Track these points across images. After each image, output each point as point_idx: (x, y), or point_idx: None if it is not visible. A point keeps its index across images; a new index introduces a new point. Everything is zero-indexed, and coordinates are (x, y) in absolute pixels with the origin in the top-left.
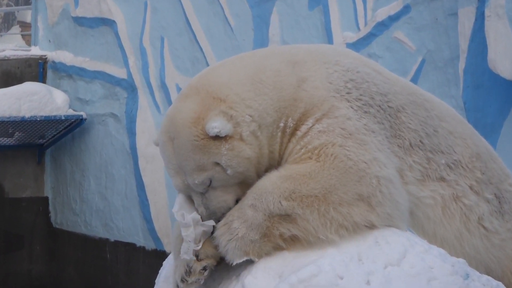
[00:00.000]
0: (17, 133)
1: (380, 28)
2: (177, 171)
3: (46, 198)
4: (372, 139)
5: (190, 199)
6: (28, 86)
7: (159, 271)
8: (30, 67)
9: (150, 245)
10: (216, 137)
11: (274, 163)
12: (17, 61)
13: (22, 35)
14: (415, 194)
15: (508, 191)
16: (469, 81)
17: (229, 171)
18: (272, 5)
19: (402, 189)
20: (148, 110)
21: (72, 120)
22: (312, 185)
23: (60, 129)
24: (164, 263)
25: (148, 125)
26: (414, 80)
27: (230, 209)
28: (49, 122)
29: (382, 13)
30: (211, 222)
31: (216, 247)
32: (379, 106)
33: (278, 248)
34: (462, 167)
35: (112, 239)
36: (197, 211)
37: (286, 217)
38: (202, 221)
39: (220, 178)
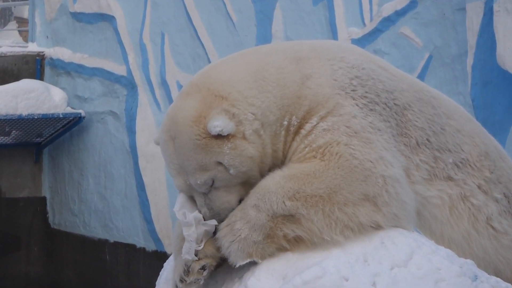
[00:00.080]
0: (14, 131)
1: (386, 23)
2: (179, 171)
3: (44, 198)
4: (378, 138)
5: (191, 198)
6: (25, 84)
7: (160, 273)
8: (27, 63)
9: (150, 246)
10: (218, 136)
11: (278, 163)
12: (14, 58)
13: (19, 31)
14: (422, 194)
15: None
16: (477, 78)
17: (232, 171)
18: (275, 0)
19: (408, 189)
20: (148, 107)
21: (71, 118)
22: (317, 184)
23: (58, 128)
24: (165, 264)
25: (148, 123)
26: (421, 76)
27: (233, 209)
28: (46, 120)
29: (388, 8)
30: (213, 222)
31: (218, 247)
32: (385, 103)
33: (281, 249)
34: (470, 166)
35: (111, 240)
36: (200, 211)
37: (290, 217)
38: (204, 220)
39: (223, 178)
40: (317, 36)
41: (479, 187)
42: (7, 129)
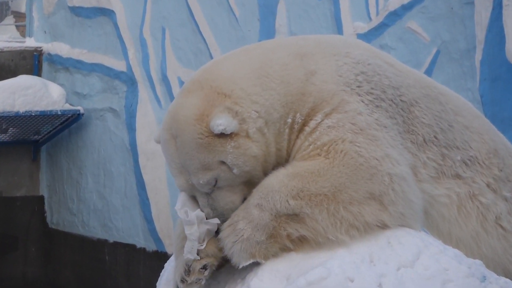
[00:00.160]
0: (11, 129)
1: (392, 18)
2: (181, 170)
3: (42, 197)
4: (384, 135)
5: (193, 197)
6: (23, 80)
7: (160, 274)
8: (25, 59)
9: (151, 247)
10: (221, 135)
11: (282, 161)
12: (11, 53)
13: (16, 26)
14: (429, 192)
15: None
16: (486, 73)
17: (235, 170)
18: None
19: (415, 187)
20: (149, 104)
21: (69, 115)
22: (321, 183)
23: (56, 125)
24: (166, 265)
25: (148, 120)
26: (428, 72)
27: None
28: (44, 117)
29: (395, 2)
30: (216, 220)
31: (220, 248)
32: (391, 100)
33: (285, 249)
34: (479, 163)
35: (111, 240)
36: (202, 210)
37: (294, 216)
38: (206, 219)
39: (226, 178)
40: (322, 31)
41: (488, 185)
42: (4, 127)
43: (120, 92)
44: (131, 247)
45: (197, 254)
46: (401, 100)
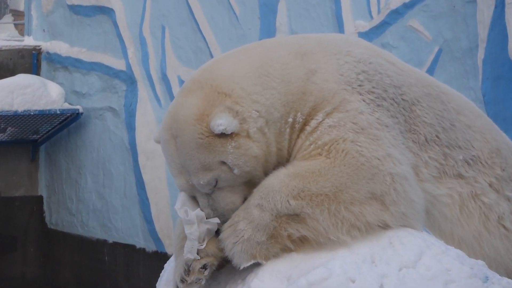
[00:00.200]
0: (9, 128)
1: (394, 16)
2: (181, 170)
3: (41, 197)
4: (386, 134)
5: (193, 197)
6: (21, 79)
7: (160, 274)
8: (23, 58)
9: (150, 247)
10: (222, 135)
11: (283, 161)
12: (9, 52)
13: (14, 24)
14: (431, 192)
15: None
16: (488, 72)
17: (236, 171)
18: None
19: (417, 187)
20: (148, 103)
21: (68, 115)
22: (322, 183)
23: (55, 124)
24: (166, 266)
25: (148, 119)
26: (430, 71)
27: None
28: (43, 116)
29: (396, 1)
30: (216, 220)
31: (220, 247)
32: (393, 99)
33: (286, 250)
34: (481, 163)
35: (110, 241)
36: (202, 211)
37: (295, 217)
38: (206, 218)
39: (226, 178)
40: (323, 30)
41: (490, 185)
42: (2, 126)
43: (119, 91)
44: (131, 248)
45: (197, 254)
46: (402, 99)
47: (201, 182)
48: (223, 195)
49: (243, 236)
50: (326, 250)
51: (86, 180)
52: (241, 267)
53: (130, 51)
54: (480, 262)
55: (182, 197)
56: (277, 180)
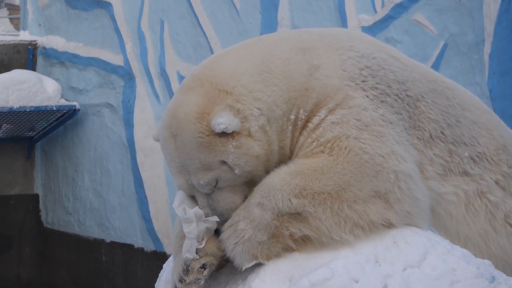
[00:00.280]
0: (4, 125)
1: (398, 10)
2: (180, 170)
3: (36, 196)
4: (390, 131)
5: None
6: (17, 74)
7: (159, 275)
8: (19, 53)
9: (149, 246)
10: (223, 134)
11: (285, 160)
12: (4, 47)
13: (10, 18)
14: (436, 190)
15: None
16: (495, 67)
17: (236, 171)
18: None
19: (422, 185)
20: (147, 99)
21: (65, 111)
22: (325, 181)
23: (52, 121)
24: (165, 265)
25: (146, 116)
26: (436, 66)
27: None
28: (39, 113)
29: None
30: (215, 218)
31: (220, 246)
32: (397, 95)
33: (288, 249)
34: (487, 160)
35: (108, 240)
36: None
37: (297, 215)
38: (205, 217)
39: (227, 178)
40: (326, 24)
41: (496, 182)
42: None
43: (117, 87)
44: (129, 247)
45: (196, 253)
46: (406, 95)
47: (201, 182)
48: (223, 195)
49: (243, 236)
50: (328, 250)
51: (83, 178)
52: (243, 268)
53: (128, 46)
54: (487, 261)
55: (180, 195)
56: (279, 178)
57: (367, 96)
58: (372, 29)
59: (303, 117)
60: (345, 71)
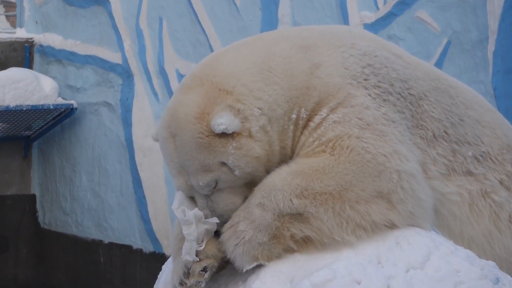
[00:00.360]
0: (0, 124)
1: (401, 7)
2: (179, 170)
3: (33, 196)
4: (392, 130)
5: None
6: (13, 72)
7: (158, 276)
8: (15, 51)
9: (148, 248)
10: (222, 135)
11: (286, 160)
12: (0, 45)
13: (6, 16)
14: (439, 190)
15: None
16: (499, 65)
17: (236, 172)
18: None
19: (425, 185)
20: (146, 98)
21: (62, 110)
22: (326, 181)
23: (49, 120)
24: (164, 267)
25: (145, 114)
26: (439, 64)
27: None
28: (36, 112)
29: None
30: (215, 219)
31: (220, 248)
32: (399, 93)
33: (289, 251)
34: (491, 159)
35: (106, 241)
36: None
37: (298, 216)
38: (205, 218)
39: (227, 179)
40: (327, 21)
41: (500, 182)
42: None
43: (115, 85)
44: (127, 248)
45: (196, 255)
46: (409, 94)
47: (200, 183)
48: (223, 196)
49: (244, 237)
50: (330, 251)
51: (80, 178)
52: (244, 270)
53: (127, 44)
54: (491, 263)
55: (179, 196)
56: (279, 178)
57: (369, 95)
58: (374, 26)
59: (305, 116)
60: (347, 69)
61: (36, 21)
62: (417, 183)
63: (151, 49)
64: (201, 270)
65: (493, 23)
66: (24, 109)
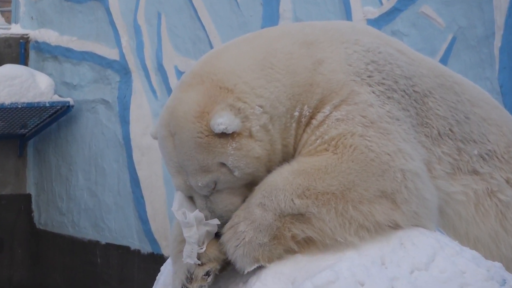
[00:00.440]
0: None
1: (405, 2)
2: (179, 170)
3: (29, 196)
4: (397, 128)
5: (191, 197)
6: (8, 69)
7: (157, 278)
8: (10, 47)
9: (146, 248)
10: (222, 134)
11: (288, 159)
12: None
13: (1, 11)
14: (444, 190)
15: None
16: (505, 62)
17: (236, 173)
18: None
19: (430, 184)
20: (144, 95)
21: (58, 107)
22: (329, 180)
23: (44, 118)
24: (162, 268)
25: (143, 112)
26: (444, 60)
27: None
28: (31, 109)
29: None
30: (215, 221)
31: (221, 250)
32: (404, 90)
33: (290, 252)
34: (497, 158)
35: (103, 242)
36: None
37: (299, 216)
38: (205, 220)
39: (226, 180)
40: (329, 17)
41: (507, 181)
42: None
43: (112, 83)
44: (125, 249)
45: (198, 258)
46: (414, 91)
47: (199, 184)
48: (222, 197)
49: (244, 238)
50: (333, 252)
51: (77, 177)
52: (245, 272)
53: (124, 40)
54: (497, 263)
55: (179, 197)
56: (281, 177)
57: (373, 92)
58: (377, 22)
59: (307, 113)
60: (350, 65)
61: (32, 17)
62: (422, 183)
63: (149, 45)
64: (204, 275)
65: (500, 19)
66: (19, 106)
